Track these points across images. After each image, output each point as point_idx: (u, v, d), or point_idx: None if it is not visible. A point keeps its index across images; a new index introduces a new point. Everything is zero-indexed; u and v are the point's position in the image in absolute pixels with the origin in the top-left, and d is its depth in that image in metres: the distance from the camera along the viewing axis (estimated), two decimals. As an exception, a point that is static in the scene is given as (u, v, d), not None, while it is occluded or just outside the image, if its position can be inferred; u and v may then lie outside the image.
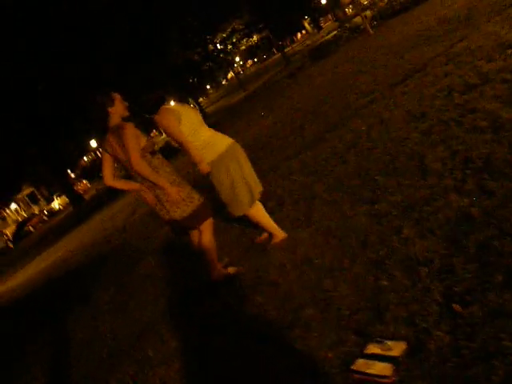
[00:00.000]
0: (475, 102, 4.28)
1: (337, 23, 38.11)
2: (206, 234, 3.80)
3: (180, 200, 3.57)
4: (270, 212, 4.78)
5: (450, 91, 5.01)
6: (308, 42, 33.23)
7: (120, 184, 3.69)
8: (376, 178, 4.00)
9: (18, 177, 34.38)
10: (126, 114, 3.62)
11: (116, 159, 3.63)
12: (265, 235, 4.23)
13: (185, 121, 3.63)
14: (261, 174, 6.46)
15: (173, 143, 3.81)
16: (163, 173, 3.57)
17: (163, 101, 3.80)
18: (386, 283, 2.58)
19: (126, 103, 3.63)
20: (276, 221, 4.39)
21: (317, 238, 3.63)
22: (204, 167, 3.68)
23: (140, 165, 3.42)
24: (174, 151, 14.03)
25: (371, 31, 16.15)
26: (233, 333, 3.10)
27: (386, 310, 2.38)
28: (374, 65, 9.54)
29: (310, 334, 2.57)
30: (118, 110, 3.55)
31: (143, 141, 3.53)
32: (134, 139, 3.43)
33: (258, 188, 3.94)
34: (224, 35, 31.86)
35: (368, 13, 20.67)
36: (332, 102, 8.47)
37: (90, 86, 19.44)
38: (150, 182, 3.51)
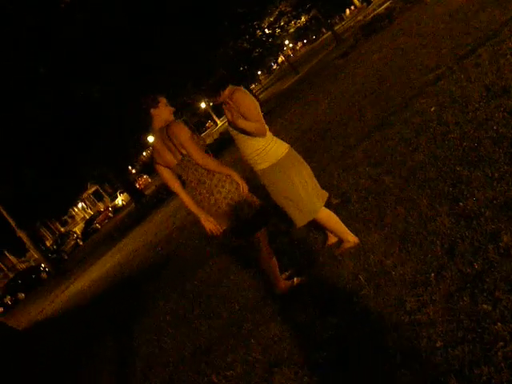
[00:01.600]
0: None
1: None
2: (262, 246, 3.47)
3: (243, 199, 3.26)
4: (335, 211, 4.39)
5: (536, 59, 4.35)
6: (359, 18, 31.86)
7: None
8: (457, 169, 3.48)
9: (84, 177, 35.67)
10: (171, 118, 3.34)
11: (167, 166, 3.36)
12: (332, 239, 3.82)
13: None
14: (321, 166, 6.10)
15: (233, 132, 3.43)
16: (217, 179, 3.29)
17: (228, 79, 3.43)
18: (488, 308, 2.12)
19: (173, 108, 3.36)
20: (345, 220, 4.00)
21: (392, 243, 3.19)
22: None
23: (205, 158, 3.22)
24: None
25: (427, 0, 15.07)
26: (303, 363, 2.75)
27: (493, 345, 1.93)
28: (435, 36, 8.76)
29: (397, 381, 2.15)
30: (161, 113, 3.31)
31: (195, 138, 3.25)
32: (188, 134, 3.19)
33: (323, 193, 3.55)
34: (271, 19, 31.13)
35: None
36: (392, 80, 7.83)
37: (142, 84, 19.55)
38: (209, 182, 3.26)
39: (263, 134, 3.29)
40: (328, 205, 4.53)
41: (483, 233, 2.60)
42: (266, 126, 3.34)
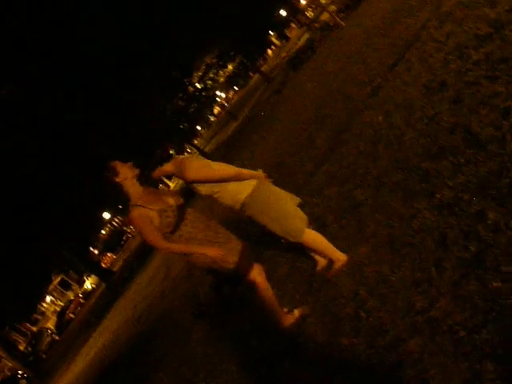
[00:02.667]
0: (500, 50, 3.85)
1: (303, 29, 38.15)
2: (258, 284, 3.38)
3: (221, 256, 3.17)
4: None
5: (461, 50, 4.59)
6: (283, 54, 33.10)
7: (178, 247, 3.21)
8: (422, 165, 3.56)
9: (46, 268, 34.38)
10: (136, 172, 3.26)
11: None
12: (322, 263, 3.78)
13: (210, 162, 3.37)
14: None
15: (205, 193, 3.44)
16: (196, 235, 3.20)
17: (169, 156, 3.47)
18: (498, 284, 2.12)
19: (129, 163, 3.27)
20: (328, 238, 3.99)
21: (381, 250, 3.19)
22: (259, 173, 3.49)
23: (164, 249, 3.15)
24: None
25: (342, 23, 15.87)
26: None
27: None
28: (360, 53, 9.17)
29: (428, 374, 2.10)
30: (124, 175, 3.21)
31: (156, 219, 3.11)
32: (143, 224, 3.09)
33: (304, 216, 3.57)
34: (200, 73, 31.88)
35: (333, 7, 20.49)
36: (332, 102, 8.06)
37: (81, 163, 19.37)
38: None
39: (233, 177, 3.38)
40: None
41: (469, 216, 2.65)
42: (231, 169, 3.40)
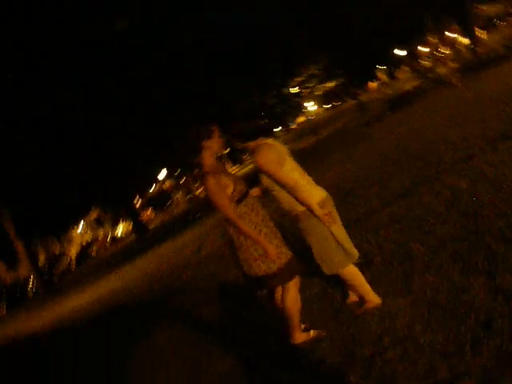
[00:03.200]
0: None
1: (414, 74, 37.50)
2: (290, 293, 3.37)
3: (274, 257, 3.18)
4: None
5: None
6: (385, 91, 32.71)
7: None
8: (492, 245, 3.43)
9: (89, 200, 35.70)
10: (222, 151, 3.32)
11: None
12: (353, 298, 3.73)
13: (289, 161, 3.31)
14: (343, 224, 6.04)
15: (266, 185, 3.42)
16: (249, 222, 3.22)
17: (265, 133, 3.48)
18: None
19: (224, 139, 3.33)
20: (368, 281, 3.92)
21: (421, 309, 3.10)
22: (320, 211, 3.24)
23: (232, 217, 3.17)
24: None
25: (457, 83, 15.49)
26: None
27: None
28: (464, 118, 8.93)
29: None
30: (213, 145, 3.25)
31: (230, 186, 3.19)
32: (218, 191, 3.14)
33: (354, 251, 3.51)
34: (299, 79, 32.06)
35: (451, 64, 20.04)
36: (420, 152, 7.89)
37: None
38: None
39: (306, 197, 3.26)
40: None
41: (524, 311, 2.53)
42: (304, 178, 3.34)
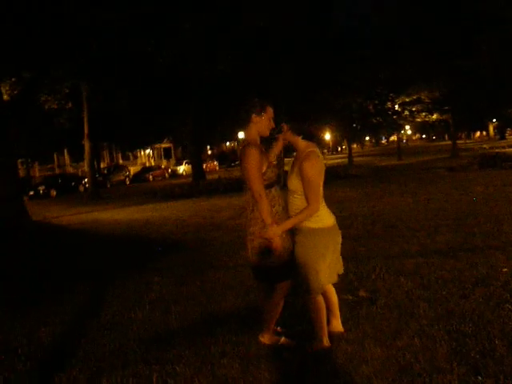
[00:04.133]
0: None
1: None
2: (277, 294, 3.32)
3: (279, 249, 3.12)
4: (357, 302, 4.19)
5: None
6: (485, 146, 31.16)
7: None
8: (496, 342, 3.18)
9: (166, 130, 36.82)
10: (266, 133, 3.26)
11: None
12: (336, 326, 3.61)
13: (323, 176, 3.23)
14: (368, 255, 5.88)
15: (292, 188, 3.30)
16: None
17: (313, 138, 3.39)
18: None
19: (273, 124, 3.27)
20: (359, 317, 3.82)
21: (390, 369, 2.94)
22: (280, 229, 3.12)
23: (258, 191, 3.09)
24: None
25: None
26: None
27: None
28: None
29: None
30: (260, 123, 3.21)
31: (264, 167, 3.15)
32: (256, 161, 3.09)
33: (340, 268, 3.46)
34: (407, 99, 30.96)
35: None
36: (482, 220, 7.45)
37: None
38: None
39: (312, 212, 3.16)
40: (354, 294, 4.36)
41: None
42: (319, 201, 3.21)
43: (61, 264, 7.36)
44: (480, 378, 2.75)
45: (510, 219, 7.32)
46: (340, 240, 3.39)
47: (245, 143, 3.21)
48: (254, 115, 3.20)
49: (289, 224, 3.16)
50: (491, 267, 4.90)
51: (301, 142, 3.30)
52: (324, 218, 3.25)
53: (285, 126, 3.32)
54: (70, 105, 21.29)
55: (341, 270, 3.49)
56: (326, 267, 3.25)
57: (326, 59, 23.65)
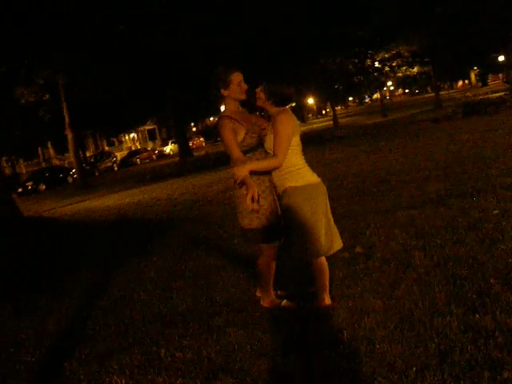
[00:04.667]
0: None
1: (506, 85, 35.30)
2: (263, 256, 3.39)
3: (250, 210, 3.14)
4: (354, 259, 4.25)
5: None
6: (468, 94, 31.17)
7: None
8: (491, 280, 3.26)
9: (148, 111, 36.44)
10: (242, 97, 3.27)
11: None
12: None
13: (297, 137, 3.22)
14: (363, 211, 5.94)
15: (267, 147, 3.30)
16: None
17: (291, 100, 3.38)
18: None
19: (245, 86, 3.27)
20: (357, 272, 3.87)
21: (392, 318, 3.01)
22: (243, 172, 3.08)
23: (238, 159, 3.14)
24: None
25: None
26: None
27: None
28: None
29: None
30: (232, 93, 3.23)
31: (241, 134, 3.18)
32: (228, 132, 3.14)
33: (339, 242, 3.42)
34: (386, 55, 30.69)
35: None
36: (471, 166, 7.53)
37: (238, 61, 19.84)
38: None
39: (274, 167, 3.21)
40: (350, 251, 4.41)
41: (485, 357, 2.41)
42: (298, 158, 3.25)
43: (58, 255, 7.36)
44: (478, 315, 2.82)
45: (497, 162, 7.39)
46: (327, 202, 3.34)
47: (219, 116, 3.28)
48: (222, 90, 3.23)
49: (251, 165, 3.12)
50: (482, 211, 4.98)
51: (270, 107, 3.29)
52: (306, 175, 3.25)
53: (258, 92, 3.30)
54: (47, 96, 20.90)
55: (339, 245, 3.42)
56: (322, 227, 3.25)
57: (303, 19, 23.32)
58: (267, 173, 3.26)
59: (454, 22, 24.60)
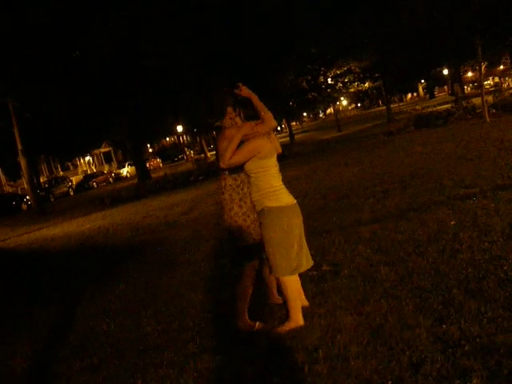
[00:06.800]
0: None
1: (452, 97, 36.92)
2: (246, 277, 3.45)
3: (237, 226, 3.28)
4: (322, 277, 4.33)
5: None
6: (417, 107, 32.35)
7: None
8: (453, 291, 3.41)
9: (103, 134, 35.83)
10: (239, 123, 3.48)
11: None
12: (276, 300, 3.86)
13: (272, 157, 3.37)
14: (325, 229, 6.06)
15: (247, 169, 3.41)
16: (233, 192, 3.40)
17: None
18: None
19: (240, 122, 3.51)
20: (326, 290, 3.96)
21: (363, 333, 3.10)
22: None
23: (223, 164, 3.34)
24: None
25: (488, 118, 15.24)
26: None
27: None
28: (481, 156, 8.82)
29: None
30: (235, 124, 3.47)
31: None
32: (221, 140, 3.40)
33: (309, 261, 3.54)
34: (338, 72, 31.57)
35: (489, 98, 19.68)
36: (425, 178, 7.84)
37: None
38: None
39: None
40: (317, 270, 4.50)
41: (455, 365, 2.52)
42: (275, 180, 3.41)
43: (16, 291, 7.10)
44: (444, 326, 2.95)
45: (450, 173, 7.72)
46: (301, 223, 3.48)
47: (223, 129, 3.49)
48: (229, 107, 3.46)
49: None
50: (440, 222, 5.20)
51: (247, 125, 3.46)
52: (283, 197, 3.38)
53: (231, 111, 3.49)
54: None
55: (310, 263, 3.54)
56: (295, 248, 3.36)
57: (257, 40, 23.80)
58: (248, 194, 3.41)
59: (397, 41, 25.62)
